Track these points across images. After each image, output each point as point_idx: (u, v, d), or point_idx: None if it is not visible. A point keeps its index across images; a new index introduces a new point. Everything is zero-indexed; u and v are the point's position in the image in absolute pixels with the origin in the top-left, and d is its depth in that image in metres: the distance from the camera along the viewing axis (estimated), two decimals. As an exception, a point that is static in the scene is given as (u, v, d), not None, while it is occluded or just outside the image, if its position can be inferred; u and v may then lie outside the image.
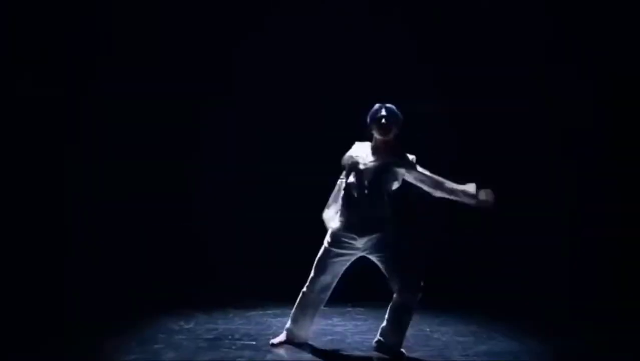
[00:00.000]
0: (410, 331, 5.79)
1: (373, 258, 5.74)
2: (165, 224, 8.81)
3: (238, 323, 6.83)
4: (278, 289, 7.06)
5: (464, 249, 8.68)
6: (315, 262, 5.80)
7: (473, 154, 8.96)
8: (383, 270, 5.71)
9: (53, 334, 6.29)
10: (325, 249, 5.77)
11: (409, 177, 5.79)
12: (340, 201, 5.79)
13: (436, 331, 6.69)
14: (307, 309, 5.87)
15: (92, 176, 8.93)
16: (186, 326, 6.62)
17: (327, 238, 5.78)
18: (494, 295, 7.93)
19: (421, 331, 6.52)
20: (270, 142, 9.16)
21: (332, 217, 5.83)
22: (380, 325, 5.80)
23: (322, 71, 9.06)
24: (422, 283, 5.69)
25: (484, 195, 5.81)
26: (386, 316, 5.73)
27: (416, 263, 5.76)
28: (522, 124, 8.90)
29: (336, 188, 5.92)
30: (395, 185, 5.77)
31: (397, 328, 5.68)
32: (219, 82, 9.18)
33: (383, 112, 5.69)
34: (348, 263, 5.81)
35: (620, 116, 8.62)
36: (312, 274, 5.81)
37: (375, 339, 5.78)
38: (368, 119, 5.79)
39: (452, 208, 8.70)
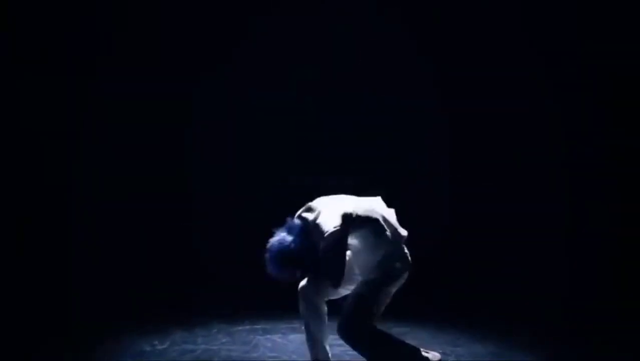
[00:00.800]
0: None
1: None
2: (158, 225, 8.78)
3: (220, 343, 6.15)
4: (272, 296, 6.41)
5: (465, 250, 8.65)
6: None
7: (471, 155, 8.95)
8: None
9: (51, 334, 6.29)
10: None
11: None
12: None
13: (451, 353, 5.91)
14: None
15: (92, 176, 8.95)
16: (160, 347, 5.98)
17: None
18: (495, 297, 7.75)
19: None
20: (269, 142, 9.18)
21: None
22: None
23: (322, 71, 9.08)
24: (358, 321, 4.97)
25: None
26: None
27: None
28: (521, 123, 8.84)
29: None
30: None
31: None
32: (219, 81, 9.16)
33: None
34: None
35: (620, 116, 8.52)
36: None
37: None
38: None
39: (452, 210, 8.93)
